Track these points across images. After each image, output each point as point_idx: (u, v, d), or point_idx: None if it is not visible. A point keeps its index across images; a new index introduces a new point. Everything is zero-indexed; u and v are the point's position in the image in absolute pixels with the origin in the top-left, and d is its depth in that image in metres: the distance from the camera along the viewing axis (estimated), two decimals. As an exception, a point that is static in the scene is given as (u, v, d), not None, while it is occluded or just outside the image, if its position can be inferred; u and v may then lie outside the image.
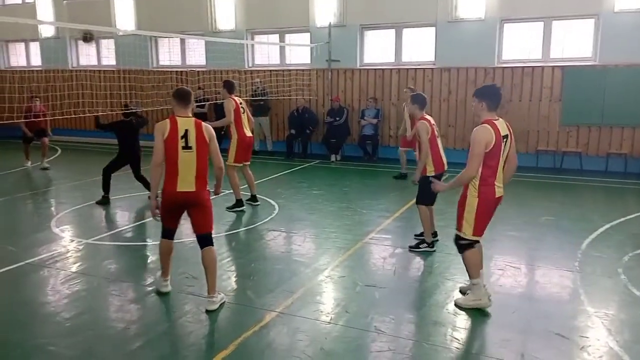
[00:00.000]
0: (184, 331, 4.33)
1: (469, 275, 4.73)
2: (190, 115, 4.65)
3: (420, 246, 6.16)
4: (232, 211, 7.86)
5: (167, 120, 4.55)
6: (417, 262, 5.86)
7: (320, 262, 5.80)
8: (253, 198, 8.27)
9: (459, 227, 4.62)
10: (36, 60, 16.76)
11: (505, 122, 4.54)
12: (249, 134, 7.97)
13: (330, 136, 12.50)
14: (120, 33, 14.49)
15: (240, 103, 7.92)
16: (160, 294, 5.00)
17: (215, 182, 4.94)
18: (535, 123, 11.29)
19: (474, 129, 4.42)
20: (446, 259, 5.93)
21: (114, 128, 8.67)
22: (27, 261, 5.81)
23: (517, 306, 4.76)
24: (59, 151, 13.32)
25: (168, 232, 4.85)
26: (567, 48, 11.18)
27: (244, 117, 7.90)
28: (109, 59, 15.58)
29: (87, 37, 13.47)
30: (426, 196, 5.97)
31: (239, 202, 7.95)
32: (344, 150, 12.73)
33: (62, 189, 9.62)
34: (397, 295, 4.97)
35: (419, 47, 12.30)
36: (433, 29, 11.88)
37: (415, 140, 6.33)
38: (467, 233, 4.57)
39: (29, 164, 11.41)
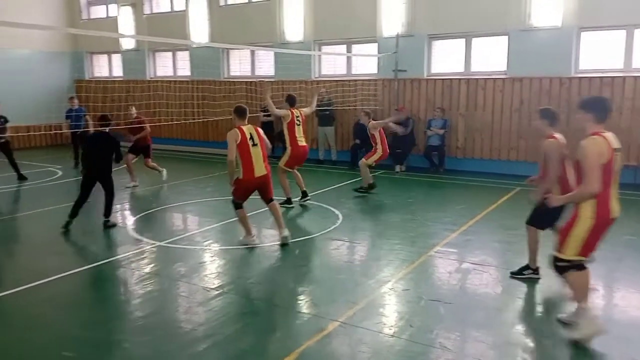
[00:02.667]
0: (249, 336, 4.43)
1: (575, 299, 4.34)
2: (247, 123, 6.51)
3: (524, 272, 5.57)
4: (283, 206, 8.30)
5: (237, 130, 6.34)
6: (485, 278, 5.66)
7: (383, 274, 5.75)
8: (304, 194, 8.82)
9: (560, 247, 4.22)
10: (117, 71, 17.84)
11: (614, 135, 4.20)
12: (302, 143, 8.60)
13: (395, 146, 12.38)
14: (195, 45, 15.14)
15: (297, 116, 8.55)
16: (250, 249, 6.45)
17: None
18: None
19: (582, 141, 4.05)
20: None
21: (85, 142, 7.83)
22: (105, 260, 6.17)
23: (593, 330, 4.48)
24: (136, 157, 14.05)
25: (241, 205, 6.56)
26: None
27: (298, 129, 8.52)
28: (184, 70, 16.32)
29: None
30: (541, 219, 5.43)
31: (288, 200, 8.57)
32: (409, 160, 12.58)
33: (138, 193, 10.13)
34: (463, 312, 4.83)
35: (490, 56, 11.97)
36: (505, 37, 11.54)
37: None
38: (570, 254, 4.16)
39: (132, 183, 10.48)
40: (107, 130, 7.71)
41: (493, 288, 5.44)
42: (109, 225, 7.56)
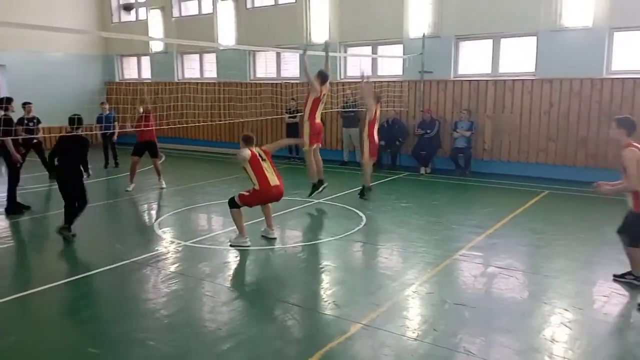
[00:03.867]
0: (272, 336, 4.45)
1: None
2: (254, 148, 6.83)
3: (626, 276, 5.45)
4: (311, 196, 8.95)
5: (248, 151, 6.71)
6: (511, 282, 5.57)
7: (407, 277, 5.70)
8: (319, 182, 9.05)
9: None
10: (146, 74, 18.17)
11: None
12: (318, 120, 8.94)
13: (420, 148, 12.31)
14: (222, 47, 15.32)
15: (324, 94, 8.86)
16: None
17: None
18: (649, 138, 10.33)
19: None
20: (543, 281, 5.59)
21: (61, 147, 7.08)
22: (132, 259, 6.27)
23: (623, 337, 4.37)
24: (163, 157, 14.26)
25: (239, 206, 6.74)
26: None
27: (320, 107, 8.86)
28: (211, 72, 16.51)
29: (127, 7, 14.74)
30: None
31: (318, 183, 8.96)
32: (434, 162, 12.46)
33: (165, 193, 10.29)
34: (488, 316, 4.76)
35: (518, 57, 11.78)
36: (534, 38, 11.33)
37: None
38: None
39: (131, 187, 10.33)
40: (81, 134, 7.18)
41: (519, 293, 5.34)
42: (62, 234, 6.97)
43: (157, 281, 5.67)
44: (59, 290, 5.47)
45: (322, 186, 9.09)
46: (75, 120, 7.12)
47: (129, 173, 10.53)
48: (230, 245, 6.73)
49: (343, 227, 7.64)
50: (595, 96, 10.71)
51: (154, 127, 10.47)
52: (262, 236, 7.01)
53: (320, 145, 9.24)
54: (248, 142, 6.86)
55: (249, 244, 6.72)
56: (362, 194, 9.42)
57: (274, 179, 6.77)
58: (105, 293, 5.52)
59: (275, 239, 6.98)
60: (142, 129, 10.28)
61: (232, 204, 6.75)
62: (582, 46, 10.69)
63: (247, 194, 6.72)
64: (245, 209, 6.85)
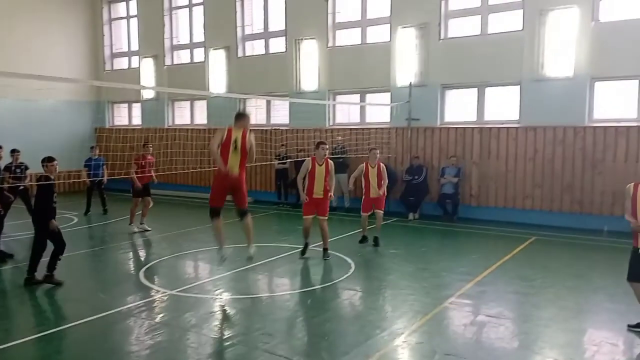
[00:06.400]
0: (257, 390, 4.32)
1: None
2: (241, 128, 6.76)
3: None
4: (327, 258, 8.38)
5: (225, 131, 6.70)
6: (502, 331, 5.50)
7: (396, 326, 5.62)
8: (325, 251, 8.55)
9: None
10: (137, 120, 18.30)
11: None
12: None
13: (408, 194, 12.38)
14: (213, 95, 15.55)
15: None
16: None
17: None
18: (633, 185, 10.50)
19: None
20: (534, 329, 5.54)
21: (44, 191, 7.25)
22: (116, 309, 6.13)
23: (615, 389, 4.31)
24: (151, 204, 14.18)
25: (218, 213, 6.83)
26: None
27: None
28: (202, 119, 16.69)
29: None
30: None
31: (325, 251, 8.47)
32: (423, 208, 12.51)
33: (152, 240, 10.17)
34: (478, 367, 4.68)
35: (502, 105, 12.08)
36: (517, 87, 11.66)
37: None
38: None
39: (135, 228, 10.69)
40: (48, 175, 7.25)
41: (509, 342, 5.27)
42: (31, 281, 6.99)
43: (141, 332, 5.53)
44: (39, 342, 5.29)
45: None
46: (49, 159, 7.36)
47: (129, 216, 10.87)
48: (218, 260, 7.14)
49: (331, 275, 7.57)
50: (579, 143, 10.94)
51: (143, 173, 10.67)
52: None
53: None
54: (236, 118, 6.91)
55: (226, 256, 7.07)
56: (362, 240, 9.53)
57: (234, 169, 6.67)
58: (87, 345, 5.35)
59: (251, 256, 7.05)
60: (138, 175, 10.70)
61: (210, 212, 6.87)
62: (564, 95, 11.01)
63: (212, 186, 6.96)
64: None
